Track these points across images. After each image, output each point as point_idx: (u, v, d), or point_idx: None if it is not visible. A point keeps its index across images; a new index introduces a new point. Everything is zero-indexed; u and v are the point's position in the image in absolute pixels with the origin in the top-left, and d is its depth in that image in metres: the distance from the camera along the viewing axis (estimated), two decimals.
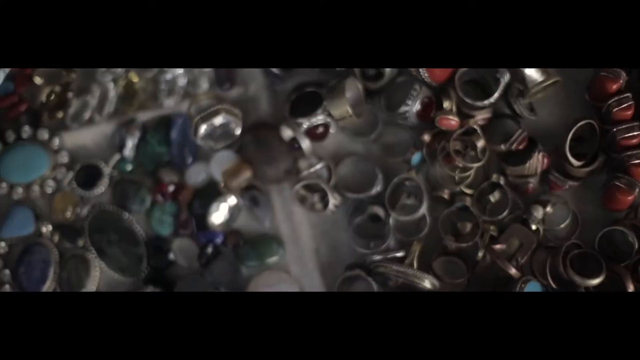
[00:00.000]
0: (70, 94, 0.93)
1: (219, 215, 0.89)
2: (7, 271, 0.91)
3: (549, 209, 0.86)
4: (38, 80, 0.94)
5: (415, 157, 0.88)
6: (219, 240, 0.89)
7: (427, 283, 0.83)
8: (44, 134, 0.92)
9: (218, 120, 0.89)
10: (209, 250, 0.89)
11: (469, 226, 0.86)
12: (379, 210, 0.88)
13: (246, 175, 0.89)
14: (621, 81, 0.84)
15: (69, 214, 0.91)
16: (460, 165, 0.86)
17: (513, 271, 0.83)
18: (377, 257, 0.86)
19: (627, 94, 0.84)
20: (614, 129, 0.84)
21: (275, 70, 0.90)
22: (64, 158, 0.92)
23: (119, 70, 0.92)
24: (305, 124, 0.89)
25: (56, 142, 0.92)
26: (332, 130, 0.90)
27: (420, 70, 0.86)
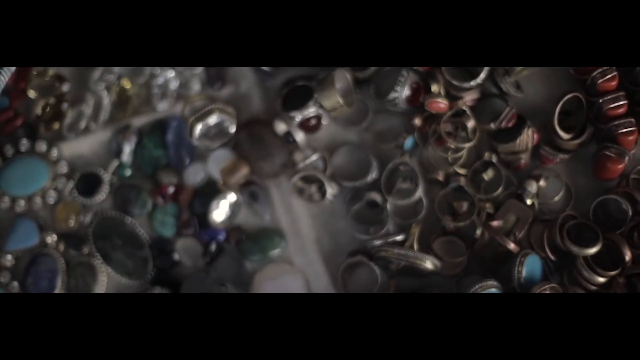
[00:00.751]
0: (64, 105, 0.94)
1: (219, 212, 0.90)
2: (15, 283, 0.91)
3: (542, 183, 0.87)
4: (32, 93, 0.94)
5: (408, 142, 0.89)
6: (221, 237, 0.90)
7: (429, 264, 0.85)
8: (42, 146, 0.93)
9: (212, 119, 0.90)
10: (212, 247, 0.90)
11: (465, 205, 0.87)
12: (376, 196, 0.89)
13: (243, 171, 0.89)
14: None
15: (72, 222, 0.92)
16: (452, 146, 0.88)
17: (512, 246, 0.84)
18: (378, 242, 0.87)
19: None
20: (600, 100, 0.85)
21: (264, 67, 0.91)
22: (63, 168, 0.93)
23: (112, 78, 0.93)
24: (298, 117, 0.90)
25: (54, 153, 0.93)
26: (324, 121, 0.92)
27: None
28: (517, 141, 0.86)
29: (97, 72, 0.93)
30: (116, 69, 0.93)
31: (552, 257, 0.86)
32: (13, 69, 0.91)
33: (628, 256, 0.83)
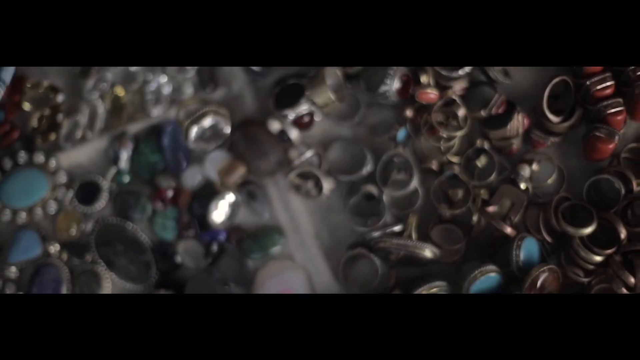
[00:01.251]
0: (60, 116, 0.94)
1: (219, 213, 0.91)
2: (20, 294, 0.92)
3: (534, 166, 0.88)
4: (27, 106, 0.95)
5: (400, 134, 0.90)
6: (222, 237, 0.91)
7: (428, 252, 0.85)
8: (39, 158, 0.93)
9: (207, 122, 0.91)
10: (214, 248, 0.90)
11: (460, 193, 0.88)
12: (372, 189, 0.89)
13: (240, 171, 0.90)
14: None
15: (73, 231, 0.92)
16: (445, 135, 0.88)
17: (508, 230, 0.85)
18: (376, 234, 0.88)
19: None
20: (587, 82, 0.86)
21: (255, 67, 0.92)
22: (62, 178, 0.93)
23: (105, 87, 0.94)
24: (291, 115, 0.91)
25: (53, 163, 0.93)
26: (317, 118, 0.92)
27: None
28: (508, 127, 0.87)
29: (91, 81, 0.94)
30: (109, 77, 0.94)
31: (549, 239, 0.87)
32: (8, 82, 0.92)
33: (623, 234, 0.84)
